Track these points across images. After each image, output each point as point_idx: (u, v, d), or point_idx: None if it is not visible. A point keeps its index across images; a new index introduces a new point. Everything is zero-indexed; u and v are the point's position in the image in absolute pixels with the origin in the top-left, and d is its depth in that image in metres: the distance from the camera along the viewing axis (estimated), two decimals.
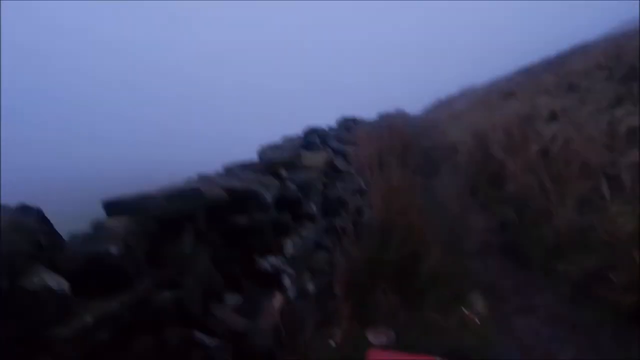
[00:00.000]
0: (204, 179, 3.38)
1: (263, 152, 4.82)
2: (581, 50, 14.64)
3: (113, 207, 2.53)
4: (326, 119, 8.87)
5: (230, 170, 3.65)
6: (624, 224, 6.22)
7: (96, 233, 2.25)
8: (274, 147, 5.11)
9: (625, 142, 8.41)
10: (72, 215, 2.70)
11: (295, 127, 6.74)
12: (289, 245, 3.68)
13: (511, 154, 9.97)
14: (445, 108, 20.39)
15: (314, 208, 4.42)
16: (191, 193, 2.66)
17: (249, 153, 4.79)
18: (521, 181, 8.94)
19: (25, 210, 1.96)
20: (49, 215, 2.01)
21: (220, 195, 2.94)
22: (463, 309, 5.46)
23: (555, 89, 13.28)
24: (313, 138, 6.04)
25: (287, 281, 3.50)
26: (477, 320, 5.37)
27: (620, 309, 5.30)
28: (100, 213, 2.51)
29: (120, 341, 2.02)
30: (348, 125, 9.31)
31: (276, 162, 3.92)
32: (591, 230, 6.59)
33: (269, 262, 3.36)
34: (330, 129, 7.88)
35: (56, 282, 1.84)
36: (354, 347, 4.26)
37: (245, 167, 3.90)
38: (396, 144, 9.90)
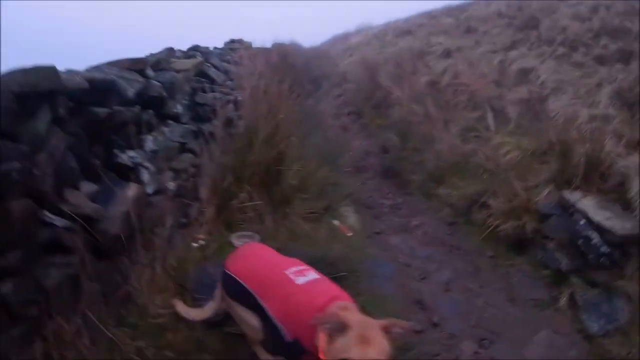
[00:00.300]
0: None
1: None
2: (483, 2, 14.97)
3: None
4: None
5: (97, 67, 3.59)
6: (506, 153, 6.56)
7: None
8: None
9: (514, 80, 8.85)
10: None
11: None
12: (150, 142, 3.73)
13: (399, 83, 10.25)
14: (340, 42, 20.35)
15: (179, 109, 4.45)
16: (47, 69, 2.66)
17: None
18: (406, 108, 9.23)
19: None
20: None
21: (80, 82, 2.94)
22: (333, 221, 5.63)
23: (453, 31, 13.58)
24: (195, 54, 5.96)
25: (145, 176, 3.58)
26: (348, 233, 5.56)
27: (498, 235, 5.60)
28: None
29: None
30: (234, 47, 9.21)
31: (142, 60, 3.88)
32: (473, 156, 6.92)
33: (128, 156, 3.41)
34: (215, 48, 7.79)
35: None
36: (218, 250, 4.37)
37: (112, 64, 3.85)
38: (283, 68, 9.89)
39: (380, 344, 2.11)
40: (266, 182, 5.14)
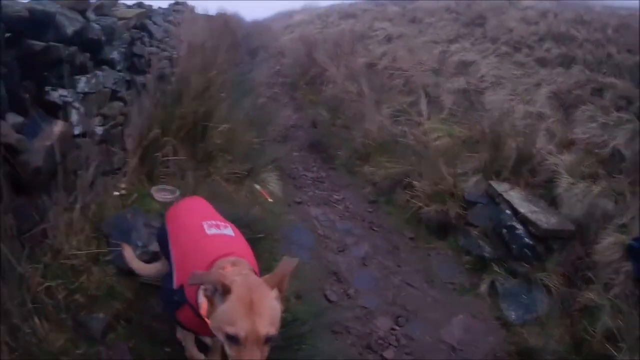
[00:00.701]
0: None
1: None
2: None
3: None
4: None
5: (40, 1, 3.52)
6: (436, 139, 6.75)
7: None
8: None
9: (453, 71, 9.09)
10: None
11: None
12: (82, 83, 3.70)
13: (336, 62, 10.36)
14: (284, 19, 20.29)
15: (115, 56, 4.41)
16: None
17: None
18: (340, 87, 9.34)
19: None
20: None
21: (20, 11, 2.90)
22: (255, 185, 5.69)
23: (398, 19, 13.79)
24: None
25: (74, 116, 3.55)
26: (269, 199, 5.63)
27: (420, 217, 5.82)
28: None
29: None
30: (178, 9, 9.12)
31: (85, 1, 3.83)
32: (402, 138, 7.11)
33: (59, 94, 3.38)
34: (160, 8, 7.71)
35: None
36: (139, 201, 4.37)
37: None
38: (223, 34, 9.85)
39: (270, 312, 1.87)
40: (192, 138, 5.15)
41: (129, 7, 5.69)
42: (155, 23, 6.27)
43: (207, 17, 10.36)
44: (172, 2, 9.56)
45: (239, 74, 8.82)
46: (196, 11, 10.45)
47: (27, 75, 3.10)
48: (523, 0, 13.53)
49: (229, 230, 2.62)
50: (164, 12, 7.59)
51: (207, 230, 2.52)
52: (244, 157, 5.73)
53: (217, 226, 2.59)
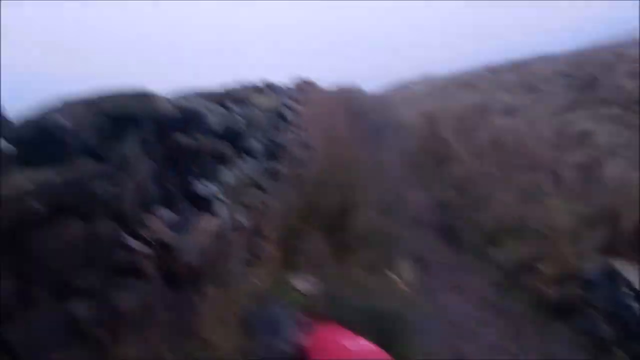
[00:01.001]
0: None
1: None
2: (545, 58, 15.07)
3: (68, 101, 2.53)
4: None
5: (182, 94, 3.64)
6: (560, 218, 6.51)
7: (51, 109, 2.26)
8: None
9: (574, 143, 8.82)
10: None
11: None
12: (227, 175, 3.73)
13: (461, 138, 10.26)
14: (401, 90, 20.58)
15: (256, 145, 4.46)
16: (141, 94, 2.69)
17: None
18: (467, 165, 9.21)
19: None
20: None
21: (167, 108, 2.96)
22: (390, 273, 5.59)
23: (514, 88, 13.67)
24: (268, 91, 6.08)
25: (219, 208, 3.56)
26: (404, 287, 5.51)
27: (546, 301, 5.63)
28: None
29: (53, 217, 2.04)
30: (302, 86, 9.38)
31: (226, 93, 3.93)
32: (528, 219, 6.90)
33: (204, 187, 3.40)
34: (285, 85, 7.94)
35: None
36: (278, 289, 4.34)
37: (197, 94, 3.90)
38: (347, 112, 10.02)
39: None
40: (329, 227, 5.17)
41: (262, 91, 5.87)
42: (286, 106, 6.38)
43: (331, 94, 10.54)
44: (296, 78, 9.84)
45: (368, 157, 8.85)
46: (317, 86, 10.65)
47: (174, 168, 3.14)
48: (632, 51, 12.88)
49: None
50: (290, 92, 7.78)
51: None
52: (378, 243, 5.73)
53: None
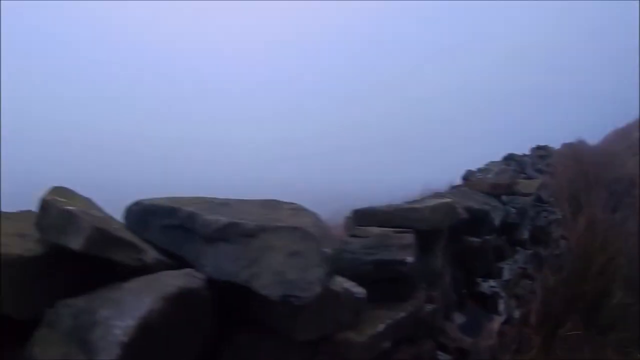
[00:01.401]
0: (437, 195, 3.47)
1: (471, 174, 4.85)
2: None
3: (364, 215, 2.67)
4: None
5: (459, 190, 3.71)
6: None
7: (380, 241, 2.34)
8: (482, 170, 5.13)
9: None
10: None
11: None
12: (506, 270, 3.70)
13: None
14: (622, 137, 19.00)
15: (526, 235, 4.39)
16: (449, 207, 2.74)
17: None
18: None
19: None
20: None
21: (462, 214, 3.02)
22: None
23: None
24: (511, 164, 5.97)
25: (502, 306, 3.53)
26: None
27: None
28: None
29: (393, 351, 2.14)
30: (541, 153, 9.08)
31: (499, 184, 3.93)
32: None
33: (488, 285, 3.41)
34: (525, 156, 7.74)
35: (354, 286, 1.96)
36: None
37: (463, 187, 3.95)
38: (581, 177, 9.51)
39: None
40: (587, 311, 4.92)
41: (500, 165, 5.77)
42: (528, 176, 6.20)
43: (564, 156, 10.01)
44: (534, 146, 9.53)
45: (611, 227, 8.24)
46: (554, 150, 10.19)
47: (462, 270, 3.18)
48: None
49: None
50: (532, 161, 7.55)
51: None
52: (631, 324, 5.28)
53: None
